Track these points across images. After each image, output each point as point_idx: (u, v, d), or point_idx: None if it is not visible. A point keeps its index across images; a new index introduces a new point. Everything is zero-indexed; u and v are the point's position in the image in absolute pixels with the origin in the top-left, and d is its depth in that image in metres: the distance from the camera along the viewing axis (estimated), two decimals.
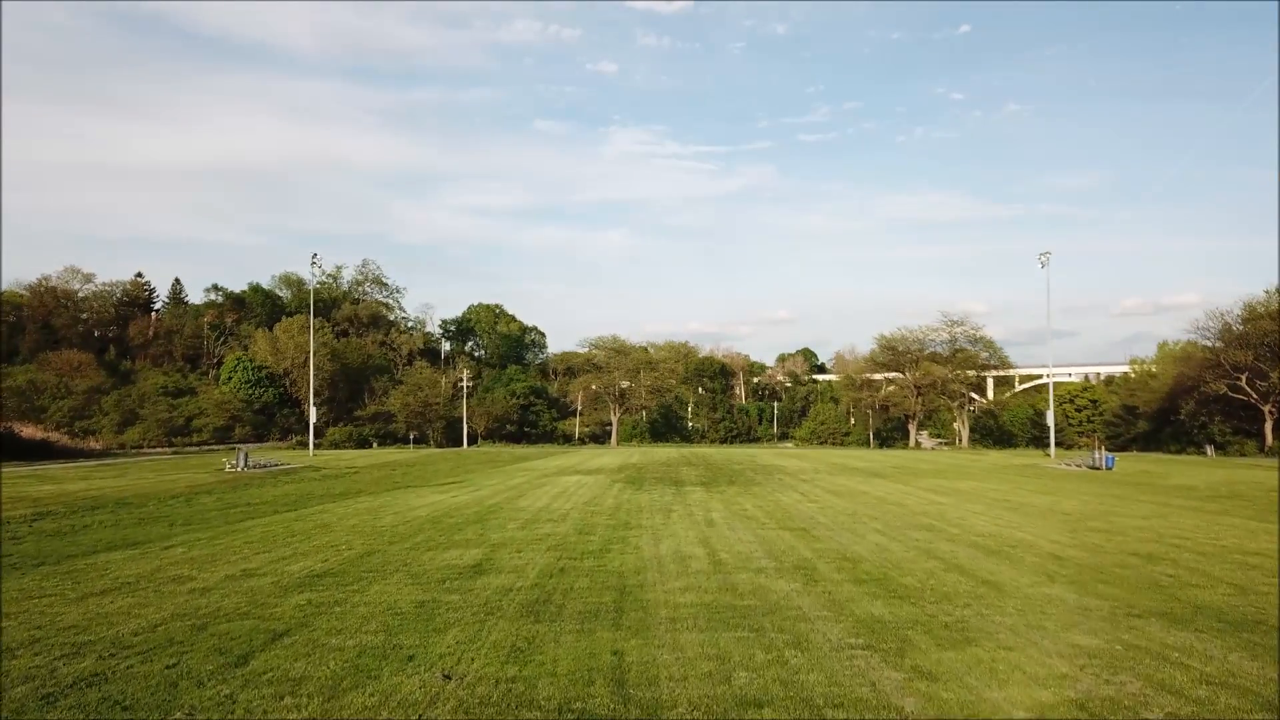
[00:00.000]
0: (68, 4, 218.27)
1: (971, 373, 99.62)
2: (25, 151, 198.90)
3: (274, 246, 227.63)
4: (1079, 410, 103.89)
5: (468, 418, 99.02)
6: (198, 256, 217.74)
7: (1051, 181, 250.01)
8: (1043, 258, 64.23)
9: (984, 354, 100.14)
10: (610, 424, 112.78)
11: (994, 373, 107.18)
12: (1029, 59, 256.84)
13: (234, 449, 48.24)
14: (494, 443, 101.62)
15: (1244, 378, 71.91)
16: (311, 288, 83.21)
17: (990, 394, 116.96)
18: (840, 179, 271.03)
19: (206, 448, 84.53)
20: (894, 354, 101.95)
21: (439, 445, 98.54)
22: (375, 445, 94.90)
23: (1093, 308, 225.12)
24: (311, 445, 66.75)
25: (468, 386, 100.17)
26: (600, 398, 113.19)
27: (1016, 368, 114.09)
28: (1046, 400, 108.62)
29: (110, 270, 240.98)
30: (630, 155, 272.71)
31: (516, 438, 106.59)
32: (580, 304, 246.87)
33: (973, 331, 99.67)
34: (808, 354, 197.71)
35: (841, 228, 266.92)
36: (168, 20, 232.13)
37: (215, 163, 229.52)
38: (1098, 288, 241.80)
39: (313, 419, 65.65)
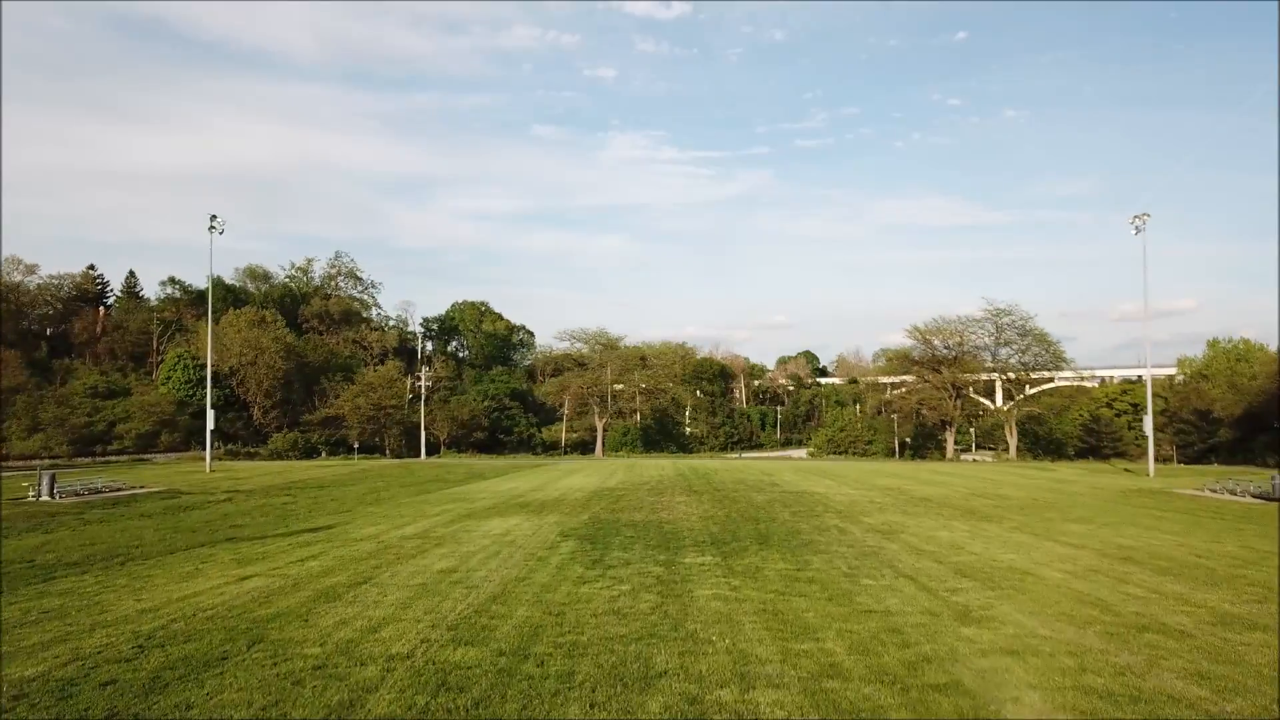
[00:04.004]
0: (63, 4, 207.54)
1: (1027, 371, 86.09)
2: (17, 156, 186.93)
3: (271, 252, 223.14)
4: (1119, 415, 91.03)
5: (428, 424, 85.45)
6: (192, 260, 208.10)
7: (1047, 187, 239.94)
8: (1137, 220, 51.22)
9: (1036, 348, 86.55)
10: (597, 430, 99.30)
11: (1050, 372, 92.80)
12: (1025, 65, 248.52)
13: (48, 469, 35.01)
14: (459, 452, 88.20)
15: None
16: (211, 252, 69.77)
17: (999, 399, 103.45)
18: (838, 185, 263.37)
19: (131, 457, 72.18)
20: (929, 348, 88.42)
21: (397, 455, 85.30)
22: (324, 454, 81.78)
23: (1089, 313, 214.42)
24: (209, 457, 53.48)
25: (426, 387, 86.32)
26: (587, 401, 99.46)
27: (1080, 367, 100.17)
28: (1077, 404, 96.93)
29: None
30: (628, 160, 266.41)
31: (488, 446, 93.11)
32: (577, 309, 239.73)
33: (1022, 322, 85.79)
34: (809, 357, 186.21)
35: (839, 233, 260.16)
36: (166, 24, 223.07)
37: (212, 167, 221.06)
38: (1092, 293, 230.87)
39: (210, 424, 52.45)
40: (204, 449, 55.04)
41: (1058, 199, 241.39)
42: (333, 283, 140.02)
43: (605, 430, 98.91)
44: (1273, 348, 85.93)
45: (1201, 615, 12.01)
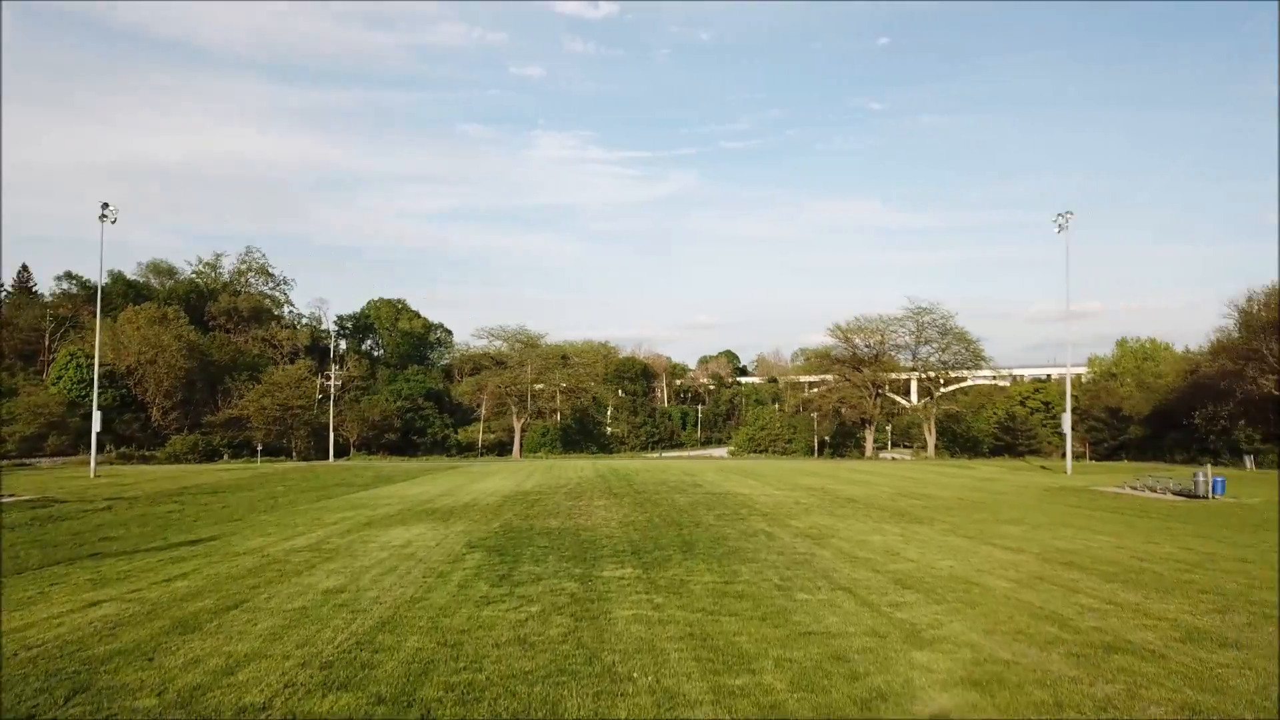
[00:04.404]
0: None
1: (947, 369, 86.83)
2: None
3: (185, 249, 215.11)
4: (1032, 413, 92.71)
5: (337, 425, 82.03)
6: (94, 255, 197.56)
7: (965, 190, 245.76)
8: (1060, 219, 51.62)
9: (956, 347, 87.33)
10: (515, 431, 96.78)
11: (968, 371, 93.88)
12: (944, 72, 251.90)
13: None
14: (369, 454, 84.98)
15: None
16: (102, 242, 65.68)
17: (914, 397, 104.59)
18: (764, 186, 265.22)
19: (13, 462, 67.16)
20: (850, 346, 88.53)
21: (304, 457, 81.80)
22: (226, 457, 77.88)
23: (1003, 314, 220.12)
24: (94, 462, 49.86)
25: (336, 386, 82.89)
26: (506, 401, 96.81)
27: (998, 366, 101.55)
28: (993, 402, 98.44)
29: None
30: (556, 160, 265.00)
31: (400, 448, 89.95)
32: (500, 308, 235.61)
33: (942, 321, 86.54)
34: (730, 356, 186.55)
35: (764, 234, 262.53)
36: (78, 13, 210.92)
37: (123, 160, 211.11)
38: (1004, 295, 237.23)
39: (96, 426, 48.88)
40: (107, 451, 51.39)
41: (974, 202, 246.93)
42: (243, 279, 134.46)
43: (524, 430, 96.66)
44: (1178, 348, 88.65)
45: (1166, 630, 10.96)
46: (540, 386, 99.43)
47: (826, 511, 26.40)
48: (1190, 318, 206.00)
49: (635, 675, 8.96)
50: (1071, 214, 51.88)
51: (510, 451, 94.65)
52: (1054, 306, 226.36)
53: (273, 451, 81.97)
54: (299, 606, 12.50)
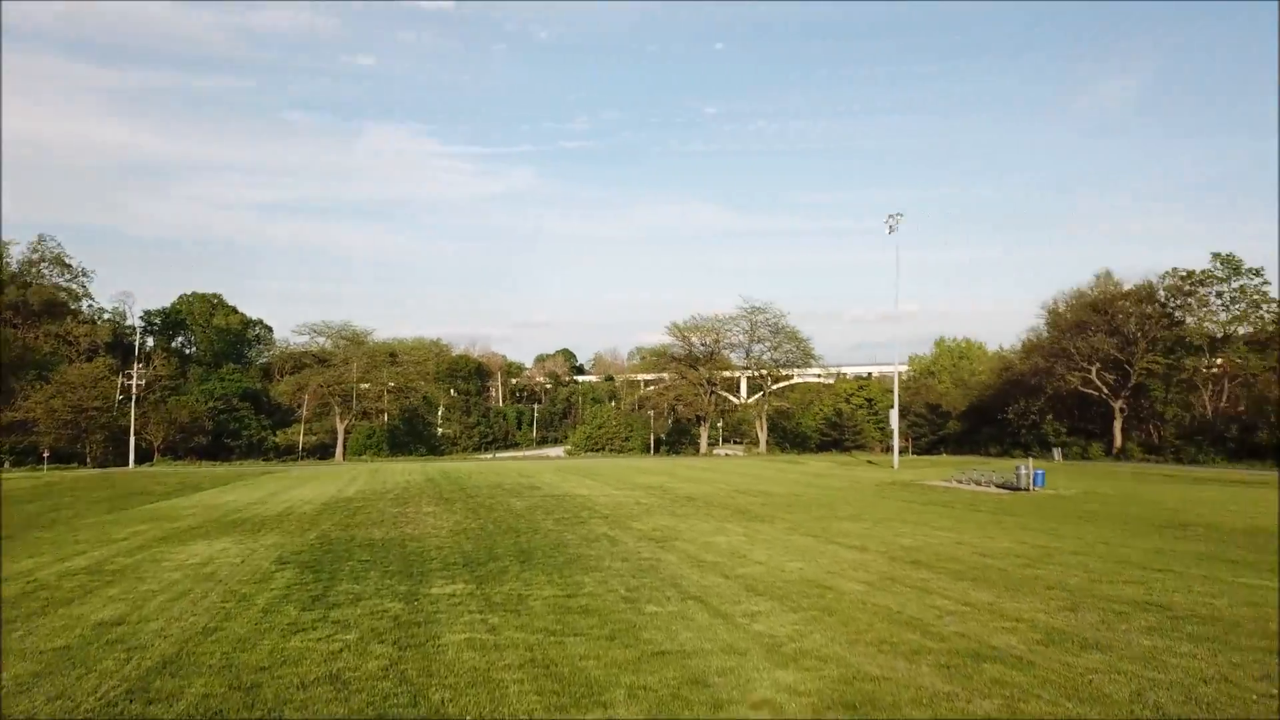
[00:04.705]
0: None
1: (778, 367, 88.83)
2: None
3: None
4: (857, 409, 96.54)
5: (139, 428, 75.45)
6: None
7: (797, 195, 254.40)
8: (891, 220, 53.39)
9: (787, 345, 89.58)
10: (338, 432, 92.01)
11: (798, 369, 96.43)
12: (776, 79, 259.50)
13: None
14: (176, 459, 78.71)
15: (1094, 370, 65.33)
16: None
17: (744, 394, 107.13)
18: (603, 186, 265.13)
19: None
20: (687, 345, 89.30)
21: (100, 464, 74.82)
22: (7, 465, 70.16)
23: (830, 314, 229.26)
24: None
25: (139, 386, 76.14)
26: (329, 401, 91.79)
27: (829, 365, 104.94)
28: (821, 399, 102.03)
29: None
30: (387, 152, 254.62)
31: (212, 452, 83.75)
32: (324, 304, 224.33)
33: (775, 320, 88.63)
34: (567, 354, 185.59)
35: (601, 233, 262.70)
36: None
37: None
38: (834, 296, 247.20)
39: None
40: None
41: (805, 206, 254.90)
42: (34, 270, 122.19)
43: (348, 432, 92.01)
44: (990, 347, 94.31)
45: (1025, 632, 10.58)
46: (366, 386, 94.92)
47: (668, 512, 25.66)
48: (1003, 319, 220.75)
49: (468, 717, 7.64)
50: (901, 215, 53.89)
51: (333, 455, 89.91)
52: (873, 309, 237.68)
53: (64, 458, 74.44)
54: (61, 645, 10.43)
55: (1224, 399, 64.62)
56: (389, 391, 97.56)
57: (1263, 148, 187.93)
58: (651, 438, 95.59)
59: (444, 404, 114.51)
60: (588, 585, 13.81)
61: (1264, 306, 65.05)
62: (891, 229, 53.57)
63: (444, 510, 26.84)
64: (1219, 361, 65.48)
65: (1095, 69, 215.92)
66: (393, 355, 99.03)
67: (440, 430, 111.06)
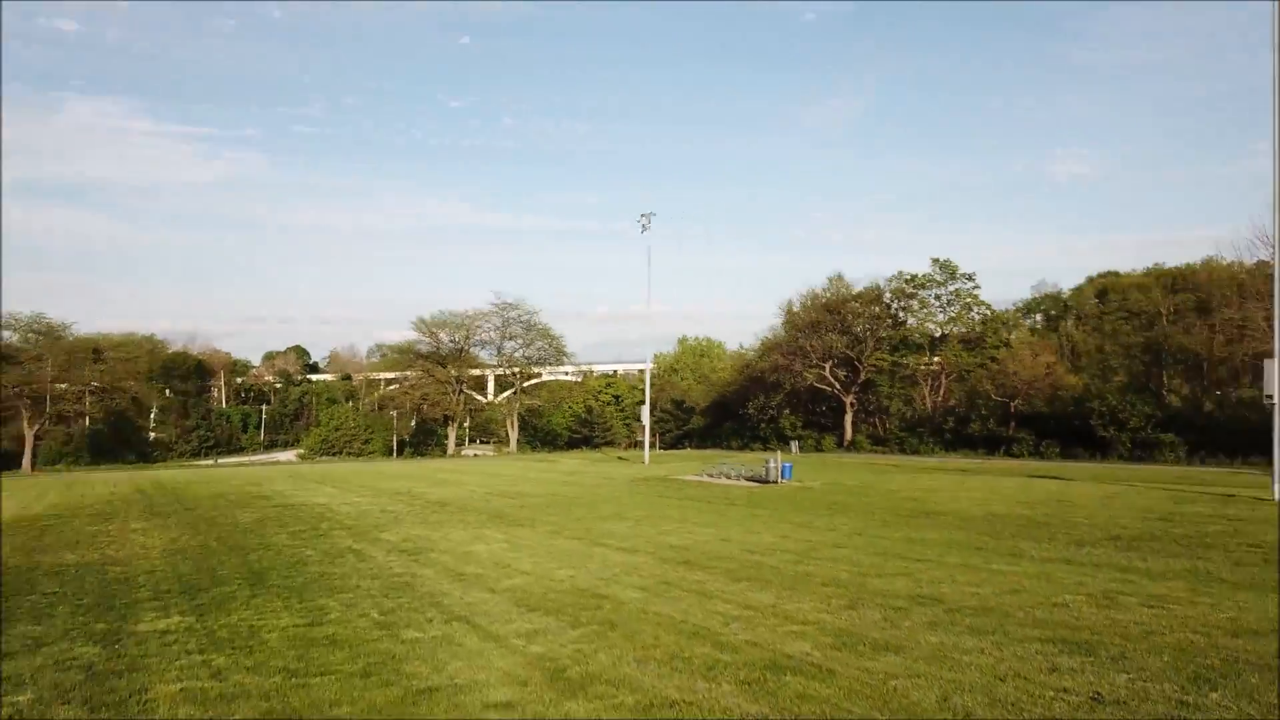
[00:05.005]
0: None
1: (530, 364, 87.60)
2: None
3: None
4: (605, 406, 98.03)
5: None
6: None
7: (545, 195, 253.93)
8: (644, 219, 53.82)
9: (540, 343, 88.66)
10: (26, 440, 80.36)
11: (550, 366, 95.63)
12: (523, 77, 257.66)
13: None
14: None
15: (828, 367, 69.48)
16: None
17: (491, 393, 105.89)
18: (338, 175, 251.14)
19: None
20: (435, 341, 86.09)
21: None
22: None
23: (577, 313, 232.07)
24: None
25: None
26: (15, 405, 79.91)
27: (582, 362, 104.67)
28: (572, 396, 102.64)
29: None
30: (91, 128, 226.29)
31: None
32: (14, 295, 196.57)
33: (527, 316, 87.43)
34: (300, 351, 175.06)
35: (338, 226, 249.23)
36: None
37: None
38: (576, 294, 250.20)
39: None
40: None
41: (554, 206, 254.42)
42: None
43: (39, 439, 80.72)
44: (730, 346, 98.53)
45: (816, 636, 10.13)
46: (64, 386, 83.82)
47: (419, 519, 23.85)
48: (744, 321, 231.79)
49: None
50: (654, 214, 54.58)
51: (19, 465, 78.62)
52: (620, 308, 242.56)
53: None
54: None
55: (941, 393, 71.61)
56: (91, 393, 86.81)
57: (971, 164, 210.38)
58: (395, 439, 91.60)
59: (158, 405, 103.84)
60: (333, 610, 12.02)
61: (975, 308, 72.93)
62: (644, 228, 54.26)
63: (156, 527, 23.42)
64: (936, 359, 72.35)
65: (824, 87, 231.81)
66: (97, 352, 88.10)
67: (153, 435, 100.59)
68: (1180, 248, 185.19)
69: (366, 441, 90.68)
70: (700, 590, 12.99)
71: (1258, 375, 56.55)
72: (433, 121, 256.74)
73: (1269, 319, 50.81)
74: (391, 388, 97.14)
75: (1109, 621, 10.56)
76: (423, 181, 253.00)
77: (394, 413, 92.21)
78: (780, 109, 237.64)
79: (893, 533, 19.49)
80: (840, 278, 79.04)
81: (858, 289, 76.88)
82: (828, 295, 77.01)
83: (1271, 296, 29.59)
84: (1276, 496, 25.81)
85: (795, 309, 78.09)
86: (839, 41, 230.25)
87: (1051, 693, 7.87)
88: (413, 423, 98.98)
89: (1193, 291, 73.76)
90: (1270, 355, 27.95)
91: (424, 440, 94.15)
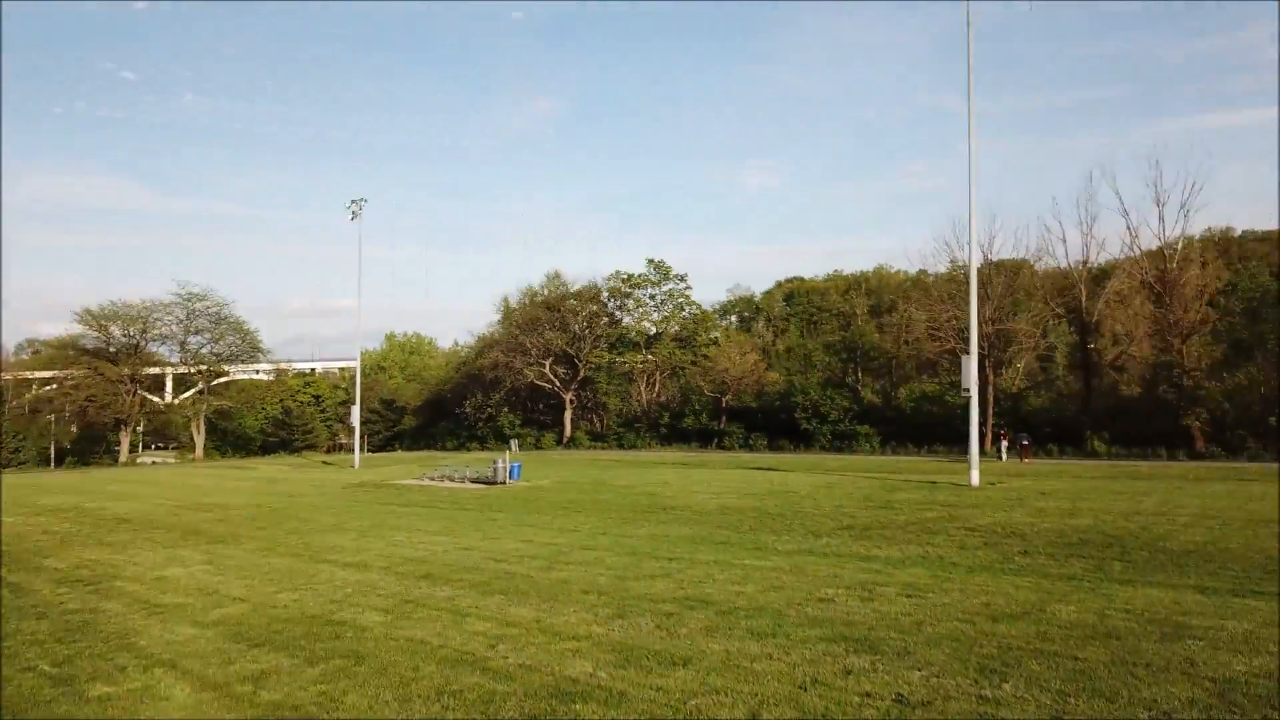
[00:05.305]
0: None
1: (220, 362, 79.39)
2: None
3: None
4: (304, 407, 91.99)
5: None
6: None
7: (226, 179, 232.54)
8: (354, 206, 50.25)
9: (231, 338, 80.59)
10: None
11: (244, 365, 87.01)
12: (208, 50, 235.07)
13: None
14: None
15: (548, 364, 68.82)
16: None
17: (170, 393, 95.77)
18: None
19: None
20: (105, 336, 75.76)
21: None
22: None
23: (269, 308, 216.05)
24: None
25: None
26: None
27: (278, 360, 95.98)
28: (270, 396, 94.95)
29: None
30: None
31: None
32: None
33: (216, 309, 79.07)
34: None
35: None
36: None
37: None
38: (267, 288, 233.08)
39: None
40: None
41: (240, 192, 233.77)
42: None
43: None
44: (443, 344, 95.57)
45: (594, 654, 9.25)
46: None
47: (95, 540, 20.32)
48: (459, 317, 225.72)
49: None
50: (365, 200, 51.35)
51: None
52: (316, 302, 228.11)
53: None
54: None
55: (656, 390, 73.84)
56: None
57: (677, 166, 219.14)
58: (53, 448, 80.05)
59: None
60: None
61: (687, 308, 76.11)
62: (355, 215, 50.92)
63: None
64: (651, 356, 74.53)
65: (530, 87, 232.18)
66: None
67: None
68: (861, 255, 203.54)
69: (16, 451, 78.32)
70: (452, 608, 11.70)
71: (934, 371, 63.86)
72: (98, 93, 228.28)
73: (929, 323, 57.21)
74: (49, 389, 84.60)
75: (878, 615, 10.60)
76: (92, 156, 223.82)
77: (51, 417, 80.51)
78: (487, 104, 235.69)
79: (636, 530, 19.18)
80: (558, 276, 79.43)
81: (576, 287, 77.61)
82: (546, 293, 77.03)
83: (969, 299, 32.49)
84: (974, 482, 28.44)
85: (513, 306, 77.37)
86: (547, 40, 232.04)
87: (857, 698, 7.51)
88: (74, 428, 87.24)
89: (866, 295, 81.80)
90: (967, 352, 30.89)
91: (89, 448, 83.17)
